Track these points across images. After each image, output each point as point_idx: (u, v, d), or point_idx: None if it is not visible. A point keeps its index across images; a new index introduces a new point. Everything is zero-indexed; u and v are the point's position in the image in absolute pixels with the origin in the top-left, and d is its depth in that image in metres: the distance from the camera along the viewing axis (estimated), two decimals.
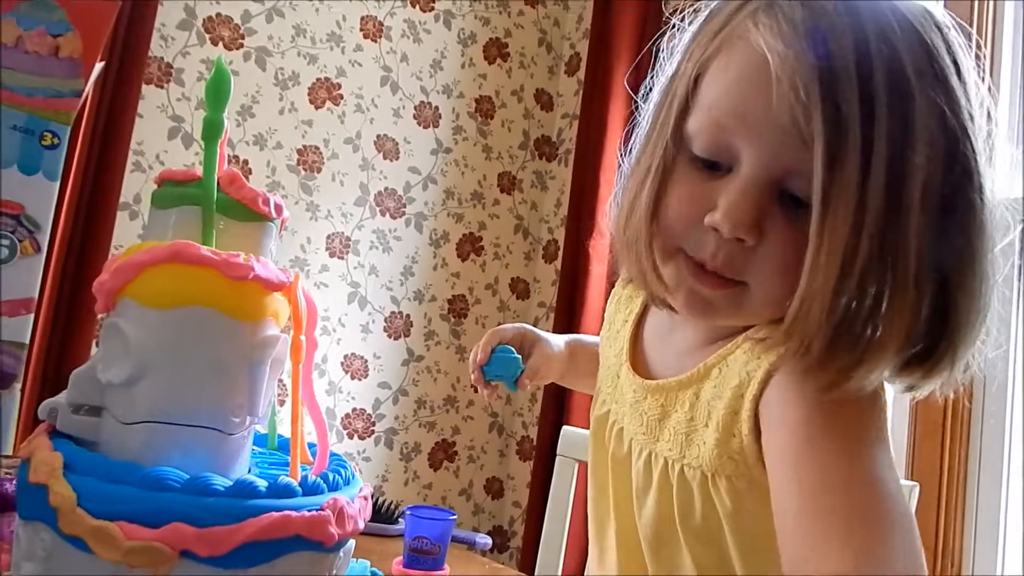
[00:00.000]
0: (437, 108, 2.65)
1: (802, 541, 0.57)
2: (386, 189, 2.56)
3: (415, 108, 2.61)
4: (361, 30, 2.52)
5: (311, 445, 0.65)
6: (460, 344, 2.68)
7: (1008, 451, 1.61)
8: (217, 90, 0.60)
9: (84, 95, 0.93)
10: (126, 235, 2.13)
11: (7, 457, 0.90)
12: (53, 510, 0.50)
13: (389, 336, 2.56)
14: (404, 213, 2.59)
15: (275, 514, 0.51)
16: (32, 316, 0.91)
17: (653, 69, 0.75)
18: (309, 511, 0.53)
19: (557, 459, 1.40)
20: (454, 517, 1.04)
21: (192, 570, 0.49)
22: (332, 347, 2.46)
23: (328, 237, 2.46)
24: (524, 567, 2.32)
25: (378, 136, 2.55)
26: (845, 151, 0.57)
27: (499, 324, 2.73)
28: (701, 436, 0.72)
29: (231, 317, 0.57)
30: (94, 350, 1.99)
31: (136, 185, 2.18)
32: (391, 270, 2.57)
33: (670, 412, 0.76)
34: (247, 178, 0.57)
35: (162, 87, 2.23)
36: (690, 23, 0.72)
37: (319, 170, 2.45)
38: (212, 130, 0.60)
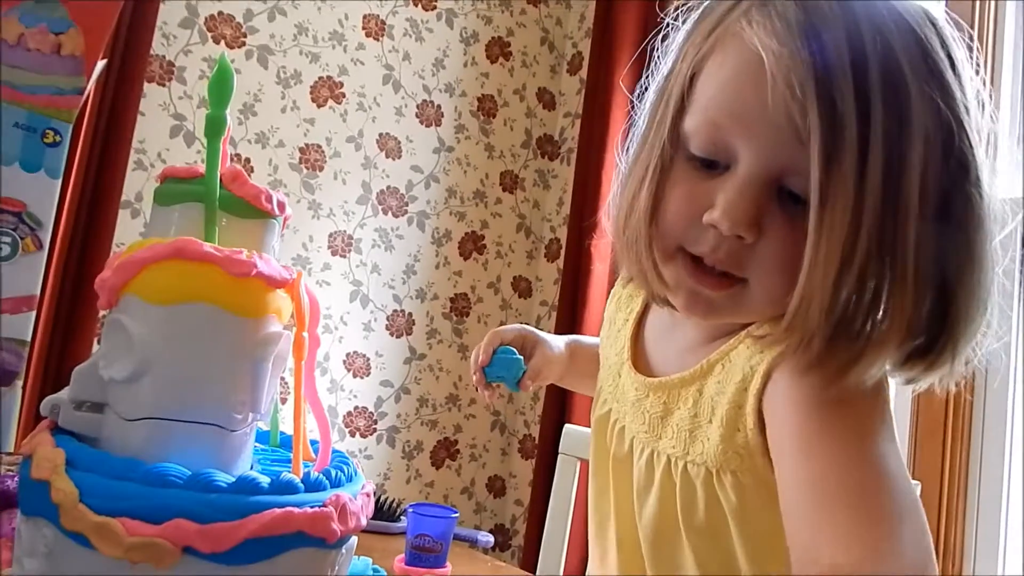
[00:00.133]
0: (439, 107, 2.65)
1: (810, 535, 0.57)
2: (388, 188, 2.56)
3: (417, 107, 2.61)
4: (363, 28, 2.52)
5: (313, 442, 0.65)
6: (462, 343, 2.68)
7: (1009, 451, 1.61)
8: (220, 87, 0.60)
9: (86, 93, 0.93)
10: (127, 233, 2.13)
11: (8, 454, 0.90)
12: (55, 506, 0.50)
13: (391, 334, 2.56)
14: (406, 212, 2.59)
15: (277, 510, 0.51)
16: (34, 313, 0.91)
17: (647, 70, 0.76)
18: (312, 507, 0.53)
19: (559, 457, 1.40)
20: (456, 515, 1.04)
21: (194, 566, 0.49)
22: (334, 345, 2.46)
23: (330, 235, 2.46)
24: (526, 565, 2.32)
25: (380, 135, 2.55)
26: (841, 147, 0.57)
27: (501, 323, 2.75)
28: (705, 432, 0.72)
29: (234, 314, 0.57)
30: (95, 348, 1.99)
31: (138, 183, 2.18)
32: (393, 268, 2.57)
33: (672, 409, 0.76)
34: (249, 176, 0.57)
35: (164, 85, 2.23)
36: (684, 22, 0.72)
37: (321, 168, 2.45)
38: (215, 127, 0.60)
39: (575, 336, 1.11)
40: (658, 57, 0.74)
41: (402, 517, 1.29)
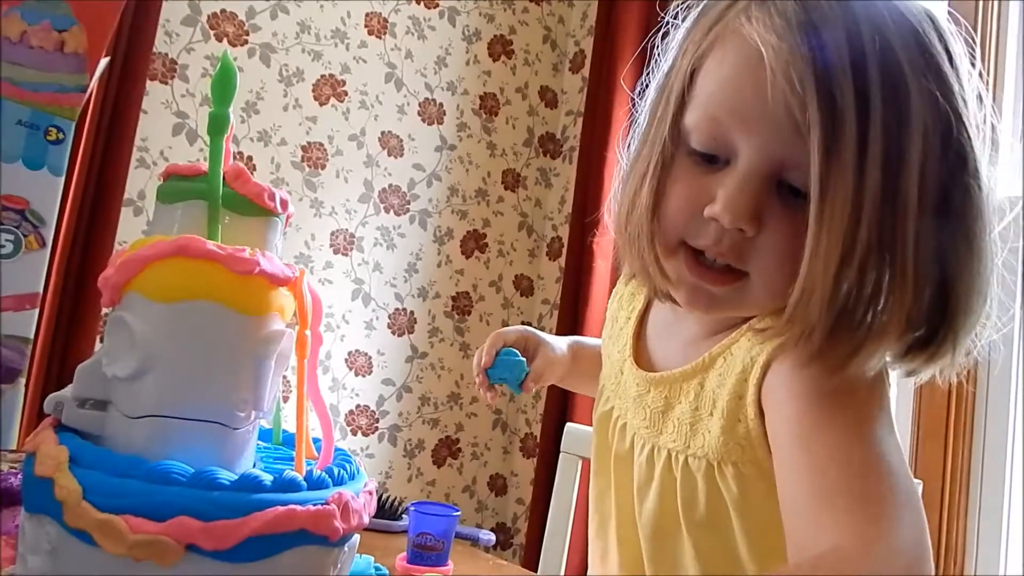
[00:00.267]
0: (441, 105, 2.65)
1: (810, 521, 0.57)
2: (390, 186, 2.56)
3: (419, 105, 2.61)
4: (366, 27, 2.52)
5: (316, 440, 0.66)
6: (464, 341, 2.68)
7: (1011, 450, 1.61)
8: (223, 85, 0.60)
9: (89, 90, 0.93)
10: (130, 231, 2.13)
11: (11, 451, 0.90)
12: (59, 503, 0.50)
13: (393, 333, 2.56)
14: (408, 210, 2.59)
15: (280, 508, 0.51)
16: (36, 311, 0.91)
17: (647, 67, 0.76)
18: (314, 505, 0.53)
19: (561, 456, 1.40)
20: (458, 513, 1.04)
21: (197, 564, 0.49)
22: (336, 343, 2.46)
23: (332, 234, 2.46)
24: (527, 564, 2.32)
25: (382, 133, 2.55)
26: (841, 141, 0.58)
27: (503, 321, 2.75)
28: (706, 425, 0.72)
29: (236, 312, 0.57)
30: (98, 345, 1.99)
31: (140, 181, 2.18)
32: (395, 267, 2.57)
33: (674, 403, 0.76)
34: (251, 175, 0.58)
35: (166, 83, 2.23)
36: (684, 20, 0.73)
37: (323, 167, 2.45)
38: (218, 125, 0.60)
39: (577, 337, 1.11)
40: (659, 55, 0.75)
41: (404, 515, 1.29)
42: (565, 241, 2.65)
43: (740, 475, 0.70)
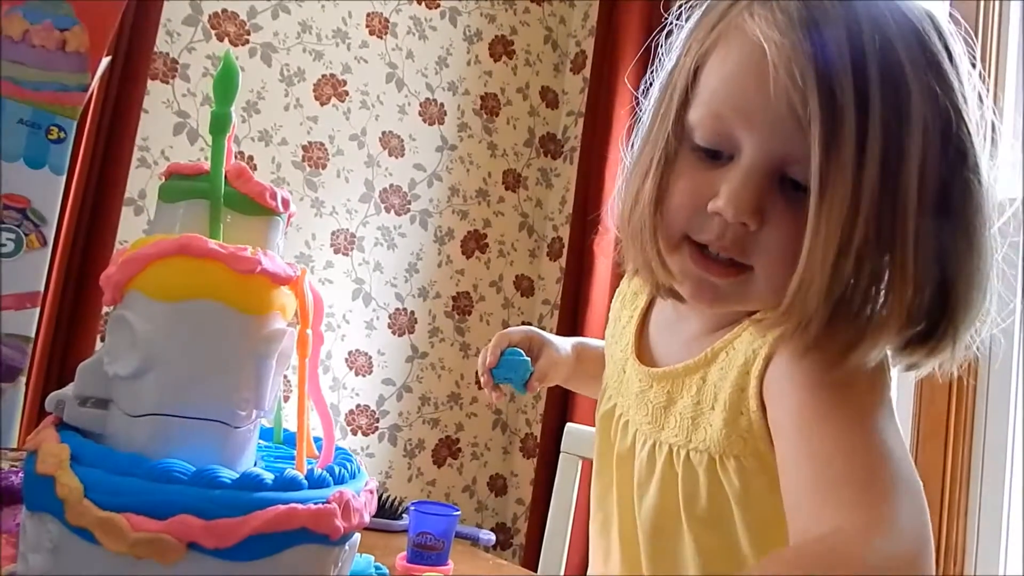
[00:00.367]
0: (442, 105, 2.65)
1: (809, 509, 0.57)
2: (391, 186, 2.56)
3: (420, 105, 2.61)
4: (367, 26, 2.52)
5: (316, 439, 0.66)
6: (464, 341, 2.68)
7: (1010, 451, 1.61)
8: (225, 84, 0.60)
9: (90, 90, 0.93)
10: (130, 230, 2.13)
11: (11, 450, 0.90)
12: (60, 501, 0.50)
13: (393, 333, 2.56)
14: (409, 210, 2.59)
15: (281, 507, 0.51)
16: (37, 310, 0.91)
17: (651, 66, 0.77)
18: (315, 504, 0.53)
19: (561, 456, 1.40)
20: (458, 513, 1.04)
21: (198, 562, 0.49)
22: (336, 343, 2.46)
23: (333, 233, 2.46)
24: (527, 564, 2.32)
25: (383, 133, 2.55)
26: (841, 136, 0.59)
27: (503, 321, 2.75)
28: (708, 419, 0.73)
29: (238, 311, 0.57)
30: (98, 344, 2.00)
31: (141, 180, 2.18)
32: (396, 267, 2.57)
33: (676, 398, 0.77)
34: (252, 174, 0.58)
35: (167, 83, 2.23)
36: (688, 19, 0.74)
37: (324, 166, 2.45)
38: (220, 124, 0.60)
39: (581, 338, 1.12)
40: (662, 53, 0.76)
41: (404, 515, 1.29)
42: (566, 241, 2.65)
43: (742, 468, 0.70)
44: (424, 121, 2.62)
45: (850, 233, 0.59)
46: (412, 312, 2.60)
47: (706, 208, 0.66)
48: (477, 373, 1.02)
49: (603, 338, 0.98)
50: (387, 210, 2.55)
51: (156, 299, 0.56)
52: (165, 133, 2.22)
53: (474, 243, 2.71)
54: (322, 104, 2.45)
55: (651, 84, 0.77)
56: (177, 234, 0.57)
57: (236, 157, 2.24)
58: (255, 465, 0.61)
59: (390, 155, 2.56)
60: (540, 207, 2.85)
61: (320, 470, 0.57)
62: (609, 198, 0.81)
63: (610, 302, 0.96)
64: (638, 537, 0.80)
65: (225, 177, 0.60)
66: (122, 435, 0.56)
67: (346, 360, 2.48)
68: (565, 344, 1.06)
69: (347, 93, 2.49)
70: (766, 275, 0.66)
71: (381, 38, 2.55)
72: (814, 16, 0.61)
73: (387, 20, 2.55)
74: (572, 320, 2.42)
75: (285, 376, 0.62)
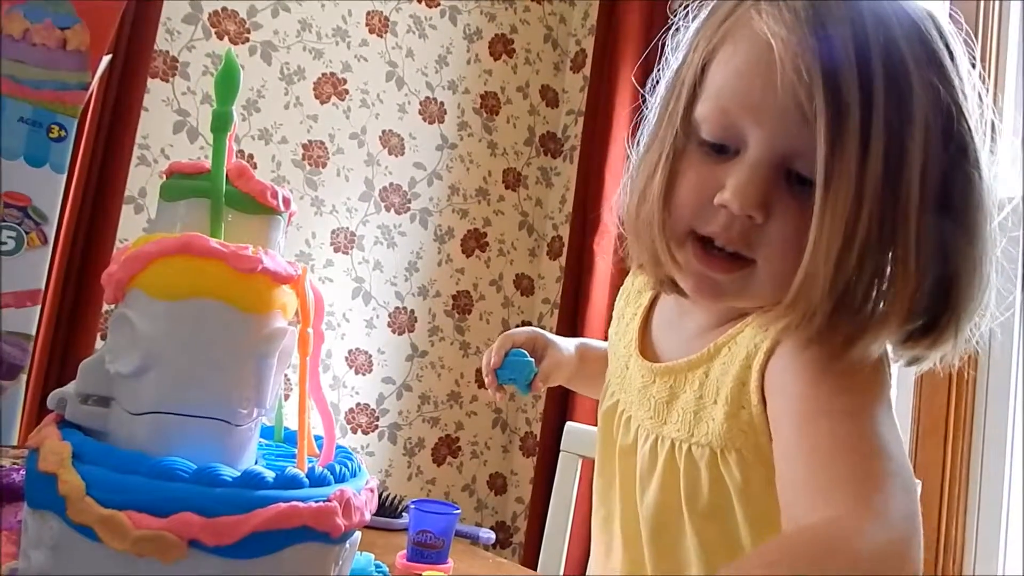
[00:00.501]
0: (442, 104, 2.65)
1: (803, 500, 0.58)
2: (391, 184, 2.56)
3: (420, 104, 2.61)
4: (367, 25, 2.52)
5: (317, 438, 0.66)
6: (464, 340, 2.68)
7: (1010, 449, 1.61)
8: (226, 83, 0.60)
9: (91, 88, 0.93)
10: (130, 228, 2.13)
11: (12, 447, 0.91)
12: (62, 499, 0.50)
13: (393, 331, 2.57)
14: (409, 209, 2.59)
15: (282, 504, 0.51)
16: (38, 308, 0.91)
17: (659, 64, 0.78)
18: (316, 502, 0.53)
19: (560, 455, 1.40)
20: (458, 511, 1.04)
21: (200, 560, 0.49)
22: (336, 342, 2.47)
23: (333, 232, 2.46)
24: (527, 562, 2.32)
25: (383, 131, 2.55)
26: (845, 131, 0.60)
27: (503, 320, 2.75)
28: (710, 413, 0.73)
29: (239, 309, 0.57)
30: (98, 342, 2.00)
31: (141, 179, 2.18)
32: (396, 266, 2.57)
33: (678, 393, 0.77)
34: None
35: (167, 81, 2.23)
36: (695, 18, 0.75)
37: (324, 165, 2.45)
38: (221, 122, 0.60)
39: (584, 339, 1.13)
40: (669, 52, 0.77)
41: (404, 513, 1.29)
42: (566, 240, 2.65)
43: (743, 461, 0.71)
44: (424, 120, 2.62)
45: (854, 226, 0.60)
46: (412, 311, 2.60)
47: (712, 202, 0.67)
48: (479, 372, 1.03)
49: (603, 337, 0.99)
50: (387, 209, 2.55)
51: (157, 298, 0.56)
52: (165, 131, 2.22)
53: (474, 242, 2.71)
54: (322, 103, 2.45)
55: (658, 82, 0.78)
56: (178, 233, 0.57)
57: (237, 156, 2.24)
58: (256, 463, 0.61)
59: (390, 154, 2.56)
60: (540, 206, 2.85)
61: (321, 468, 0.57)
62: (609, 197, 0.82)
63: (610, 301, 0.97)
64: (640, 532, 0.80)
65: (226, 176, 0.60)
66: (123, 433, 0.56)
67: (346, 359, 2.48)
68: (569, 345, 1.07)
69: (347, 92, 2.49)
70: (769, 268, 0.67)
71: (381, 37, 2.55)
72: (820, 14, 0.62)
73: (387, 19, 2.55)
74: (572, 319, 2.42)
75: (286, 375, 0.62)
